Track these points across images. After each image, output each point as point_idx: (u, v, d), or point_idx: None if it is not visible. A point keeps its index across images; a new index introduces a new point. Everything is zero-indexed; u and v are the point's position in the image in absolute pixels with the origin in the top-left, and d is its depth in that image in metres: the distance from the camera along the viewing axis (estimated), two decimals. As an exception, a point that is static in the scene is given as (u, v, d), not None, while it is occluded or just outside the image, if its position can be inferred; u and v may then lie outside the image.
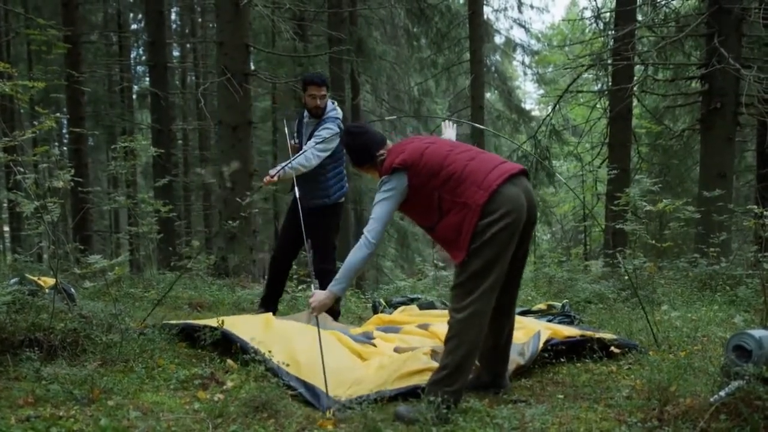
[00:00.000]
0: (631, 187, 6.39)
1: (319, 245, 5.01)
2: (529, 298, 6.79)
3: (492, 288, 3.15)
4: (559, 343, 4.06)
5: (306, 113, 5.28)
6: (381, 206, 3.33)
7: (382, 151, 3.46)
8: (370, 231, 3.33)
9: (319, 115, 5.19)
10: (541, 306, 5.54)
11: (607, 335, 4.28)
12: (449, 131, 4.12)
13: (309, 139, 5.11)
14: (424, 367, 3.47)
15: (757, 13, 9.18)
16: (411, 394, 3.30)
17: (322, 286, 3.55)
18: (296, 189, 4.69)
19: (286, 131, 5.47)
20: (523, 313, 5.20)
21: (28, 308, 3.92)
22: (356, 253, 3.34)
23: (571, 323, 4.90)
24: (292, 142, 5.33)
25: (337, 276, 3.41)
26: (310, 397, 3.25)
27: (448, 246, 3.29)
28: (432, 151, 3.32)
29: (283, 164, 5.00)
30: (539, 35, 22.05)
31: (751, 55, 10.31)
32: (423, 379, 3.36)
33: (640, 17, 11.56)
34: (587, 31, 13.36)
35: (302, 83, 5.29)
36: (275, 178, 4.94)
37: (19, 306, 3.90)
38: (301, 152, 5.02)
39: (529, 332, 4.15)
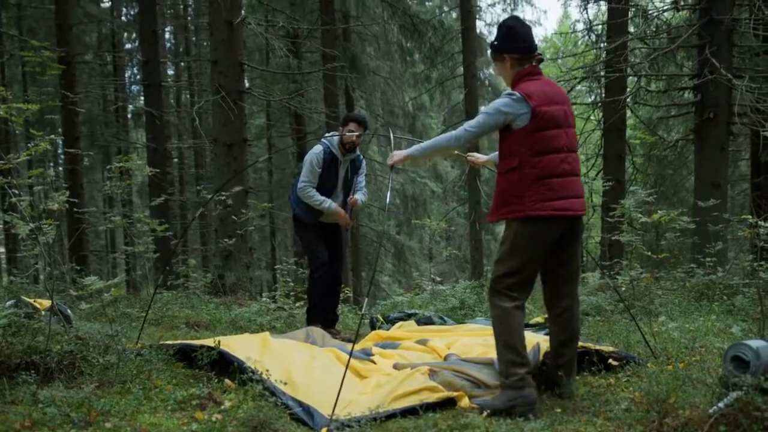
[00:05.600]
0: (627, 199, 6.40)
1: (340, 255, 5.93)
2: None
3: (517, 287, 3.36)
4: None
5: (337, 152, 5.59)
6: (488, 117, 3.37)
7: (531, 63, 3.45)
8: (469, 129, 3.41)
9: (352, 150, 5.63)
10: (539, 319, 5.54)
11: (606, 348, 4.27)
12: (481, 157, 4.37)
13: (348, 174, 5.70)
14: (421, 387, 3.46)
15: (748, 23, 9.24)
16: (408, 411, 3.28)
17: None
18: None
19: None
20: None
21: (24, 331, 3.89)
22: (446, 139, 3.52)
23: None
24: (327, 201, 5.62)
25: (422, 144, 3.64)
26: (305, 416, 3.23)
27: (494, 199, 3.44)
28: (552, 136, 3.32)
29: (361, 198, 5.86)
30: (532, 48, 22.11)
31: (743, 65, 10.36)
32: (420, 399, 3.35)
33: (632, 29, 11.63)
34: (580, 43, 13.39)
35: (344, 120, 5.68)
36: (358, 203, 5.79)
37: (15, 329, 3.87)
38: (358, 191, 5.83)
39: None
